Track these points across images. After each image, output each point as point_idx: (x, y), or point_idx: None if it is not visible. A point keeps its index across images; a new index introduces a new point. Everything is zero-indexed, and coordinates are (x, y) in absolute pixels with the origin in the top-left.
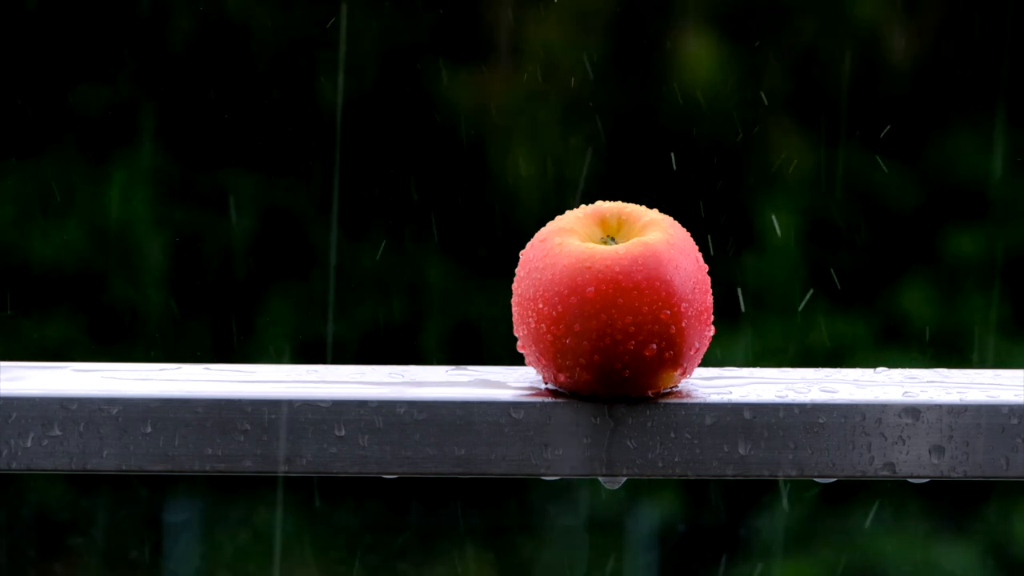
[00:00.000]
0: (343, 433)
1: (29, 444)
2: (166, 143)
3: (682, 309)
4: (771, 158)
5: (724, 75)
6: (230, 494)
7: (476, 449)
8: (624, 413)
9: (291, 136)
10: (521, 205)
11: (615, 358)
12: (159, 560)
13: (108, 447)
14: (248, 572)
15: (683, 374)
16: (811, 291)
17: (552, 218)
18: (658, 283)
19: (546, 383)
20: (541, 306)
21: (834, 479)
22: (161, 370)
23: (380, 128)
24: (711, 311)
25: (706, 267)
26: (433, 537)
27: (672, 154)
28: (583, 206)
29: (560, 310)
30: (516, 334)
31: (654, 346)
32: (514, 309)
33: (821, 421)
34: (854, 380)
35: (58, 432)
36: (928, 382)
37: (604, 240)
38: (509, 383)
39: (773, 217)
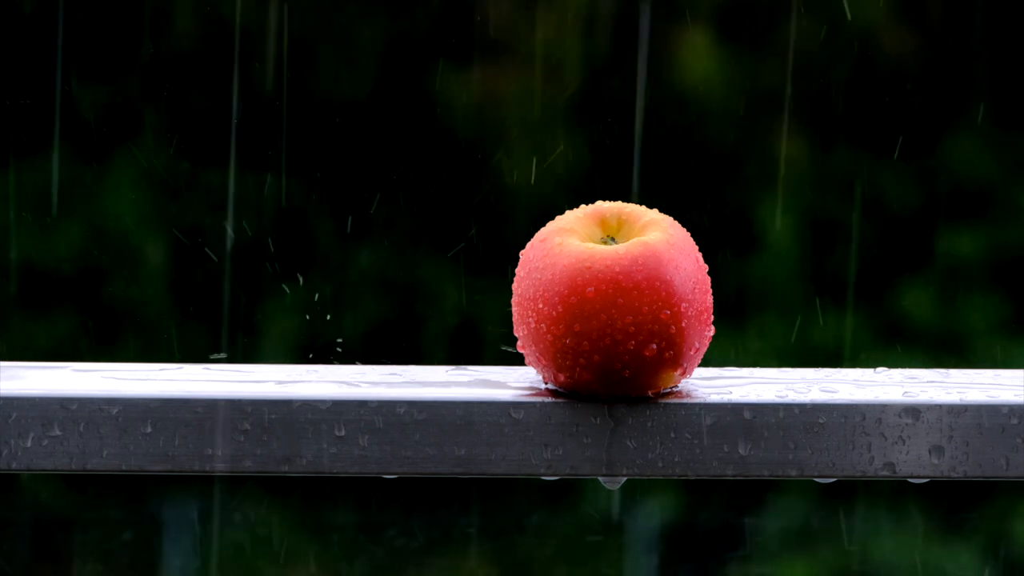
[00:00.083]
0: (343, 433)
1: (29, 444)
2: (166, 142)
3: (682, 309)
4: (771, 158)
5: (724, 75)
6: (230, 494)
7: (476, 449)
8: (624, 413)
9: (291, 136)
10: (521, 205)
11: (615, 358)
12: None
13: (108, 447)
14: (248, 572)
15: (683, 374)
16: (811, 291)
17: (552, 218)
18: (658, 283)
19: (546, 383)
20: (541, 306)
21: (834, 479)
22: (161, 370)
23: (380, 128)
24: (711, 311)
25: (706, 267)
26: (433, 537)
27: (672, 154)
28: (583, 206)
29: (560, 310)
30: (516, 334)
31: (654, 346)
32: (514, 309)
33: (821, 421)
34: (854, 380)
35: (58, 432)
36: (928, 382)
37: (604, 240)
38: (509, 383)
39: (773, 217)
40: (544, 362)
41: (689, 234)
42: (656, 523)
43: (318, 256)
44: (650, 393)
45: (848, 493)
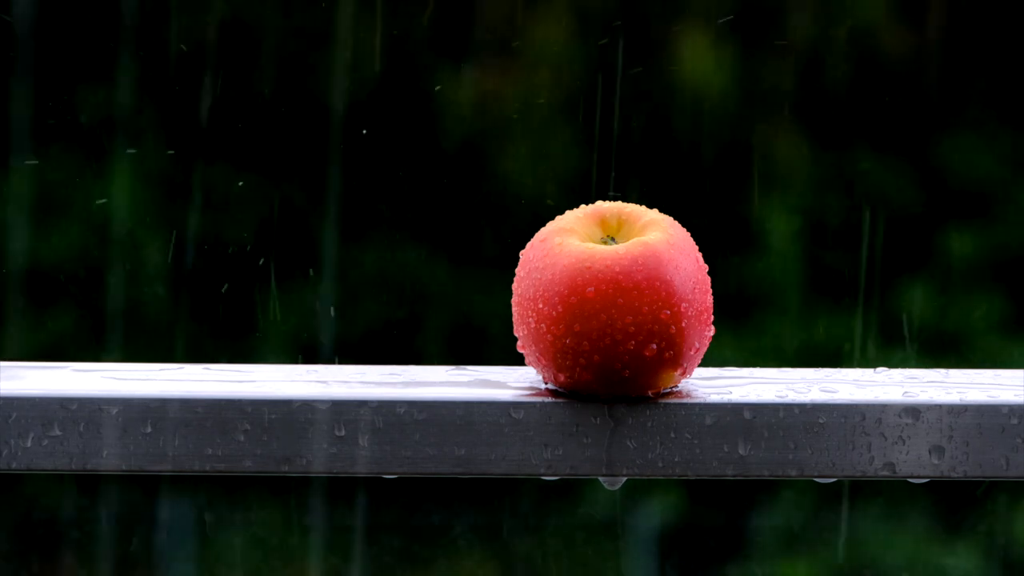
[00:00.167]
0: (343, 433)
1: (29, 444)
2: (167, 143)
3: (682, 309)
4: (771, 158)
5: (724, 75)
6: (230, 494)
7: (476, 449)
8: (624, 413)
9: (291, 136)
10: (521, 205)
11: (615, 358)
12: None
13: (108, 447)
14: (248, 572)
15: (683, 374)
16: (811, 291)
17: (552, 218)
18: (658, 283)
19: (546, 383)
20: (541, 306)
21: (834, 479)
22: (161, 370)
23: (380, 128)
24: (711, 311)
25: (706, 267)
26: (433, 537)
27: (672, 154)
28: (583, 206)
29: (560, 310)
30: (516, 334)
31: (654, 346)
32: (514, 309)
33: (821, 421)
34: (854, 380)
35: (58, 432)
36: (928, 382)
37: (604, 240)
38: (509, 383)
39: (773, 217)
40: (544, 362)
41: (689, 234)
42: (656, 523)
43: (318, 256)
44: (650, 393)
45: (848, 493)
